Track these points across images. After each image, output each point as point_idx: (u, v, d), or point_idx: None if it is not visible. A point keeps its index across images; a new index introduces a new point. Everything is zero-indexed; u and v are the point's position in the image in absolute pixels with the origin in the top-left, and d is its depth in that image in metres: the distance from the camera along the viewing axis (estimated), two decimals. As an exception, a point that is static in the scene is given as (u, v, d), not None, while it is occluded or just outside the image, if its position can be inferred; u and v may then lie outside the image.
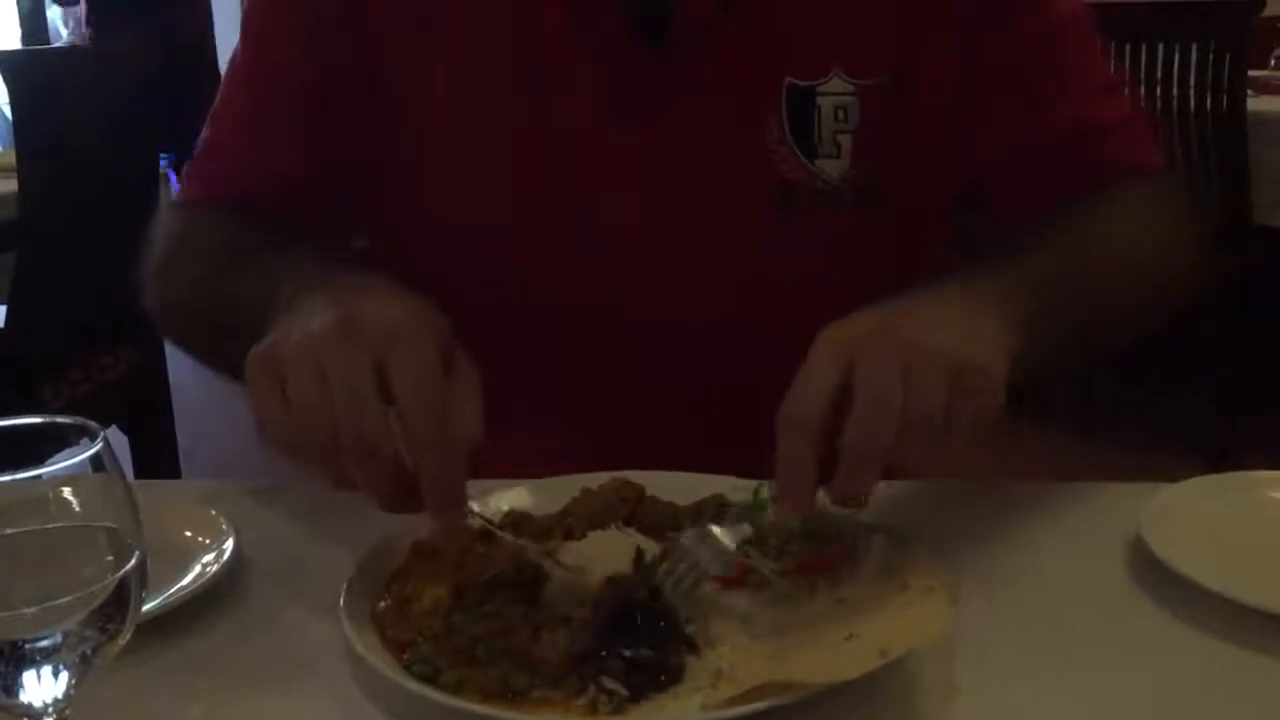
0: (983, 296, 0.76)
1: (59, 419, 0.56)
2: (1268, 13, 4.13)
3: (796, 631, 0.67)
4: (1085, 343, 0.90)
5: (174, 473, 2.74)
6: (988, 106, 0.94)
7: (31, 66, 2.22)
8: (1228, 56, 2.84)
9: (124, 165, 2.50)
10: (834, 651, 0.64)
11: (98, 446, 0.53)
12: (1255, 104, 2.94)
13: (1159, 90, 2.96)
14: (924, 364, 0.67)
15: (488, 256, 0.96)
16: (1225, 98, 2.86)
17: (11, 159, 2.26)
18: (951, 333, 0.70)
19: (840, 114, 0.91)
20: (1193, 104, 2.91)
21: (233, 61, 0.99)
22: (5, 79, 2.15)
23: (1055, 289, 0.81)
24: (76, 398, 2.41)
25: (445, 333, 0.69)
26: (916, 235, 0.99)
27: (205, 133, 1.00)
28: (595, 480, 0.84)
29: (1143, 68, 2.98)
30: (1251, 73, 3.08)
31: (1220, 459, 2.79)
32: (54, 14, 8.69)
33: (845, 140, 0.92)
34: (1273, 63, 3.35)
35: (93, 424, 0.55)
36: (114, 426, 2.56)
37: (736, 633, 0.67)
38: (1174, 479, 0.86)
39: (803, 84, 0.91)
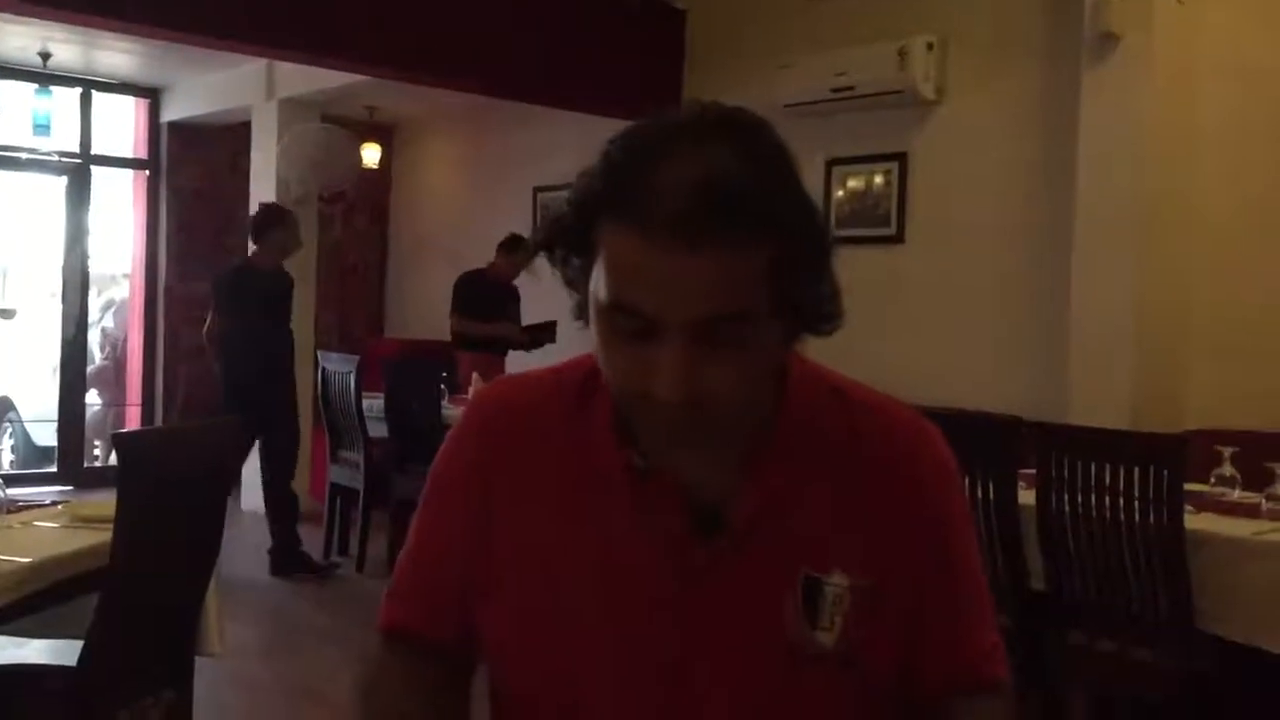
0: None
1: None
2: (1210, 425, 4.55)
3: None
4: None
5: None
6: (920, 635, 1.24)
7: (140, 444, 2.59)
8: (1165, 474, 3.17)
9: (202, 524, 2.84)
10: None
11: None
12: (1196, 521, 3.22)
13: (1107, 501, 3.29)
14: None
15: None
16: (1165, 511, 3.17)
17: (110, 510, 2.59)
18: None
19: (838, 600, 1.19)
20: (1137, 517, 3.23)
21: (417, 515, 1.29)
22: (118, 454, 2.53)
23: None
24: (120, 738, 2.62)
25: None
26: (881, 696, 1.25)
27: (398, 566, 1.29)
28: None
29: (1093, 482, 3.32)
30: (1193, 487, 3.40)
31: None
32: (92, 338, 9.31)
33: (839, 620, 1.19)
34: (1212, 480, 3.68)
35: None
36: (144, 762, 2.76)
37: None
38: None
39: (814, 575, 1.20)
